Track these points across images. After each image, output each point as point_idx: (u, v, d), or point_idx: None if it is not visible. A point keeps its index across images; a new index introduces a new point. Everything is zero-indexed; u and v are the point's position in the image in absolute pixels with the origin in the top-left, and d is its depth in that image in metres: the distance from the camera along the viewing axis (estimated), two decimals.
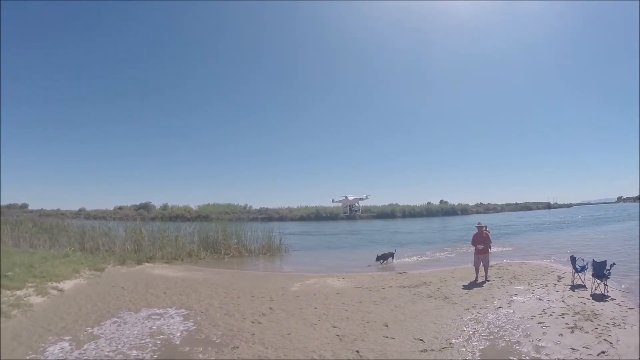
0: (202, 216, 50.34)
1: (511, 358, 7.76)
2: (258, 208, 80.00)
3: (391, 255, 21.18)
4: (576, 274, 14.29)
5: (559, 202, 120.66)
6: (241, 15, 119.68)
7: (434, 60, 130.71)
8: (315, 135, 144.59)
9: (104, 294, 12.99)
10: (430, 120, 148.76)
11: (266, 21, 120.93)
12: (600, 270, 13.13)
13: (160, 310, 11.27)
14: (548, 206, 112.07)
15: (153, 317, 10.59)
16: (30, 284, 13.08)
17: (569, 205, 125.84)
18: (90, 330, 9.42)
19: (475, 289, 13.77)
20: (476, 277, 15.38)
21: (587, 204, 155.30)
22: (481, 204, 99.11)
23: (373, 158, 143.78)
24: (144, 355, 7.99)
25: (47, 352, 8.07)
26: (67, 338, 8.89)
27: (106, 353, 8.03)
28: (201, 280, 15.49)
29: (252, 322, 10.17)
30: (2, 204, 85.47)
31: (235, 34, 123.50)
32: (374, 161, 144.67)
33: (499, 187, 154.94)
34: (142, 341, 8.74)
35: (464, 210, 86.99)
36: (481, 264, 15.46)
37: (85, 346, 8.41)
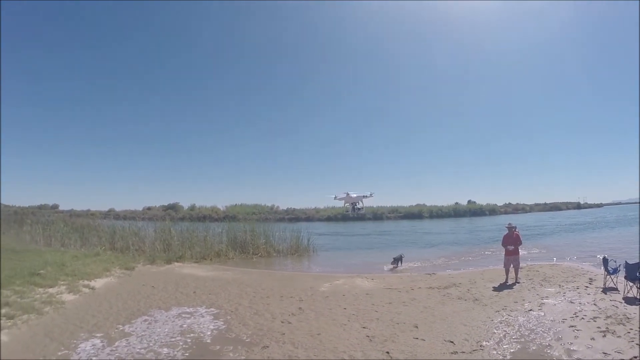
0: (229, 217, 50.67)
1: None
2: (285, 208, 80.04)
3: (401, 258, 20.78)
4: (608, 276, 13.82)
5: (589, 202, 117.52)
6: (262, 16, 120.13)
7: (459, 59, 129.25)
8: (341, 135, 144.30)
9: (134, 293, 13.09)
10: (457, 120, 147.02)
11: (288, 22, 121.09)
12: (633, 273, 12.64)
13: (191, 309, 11.28)
14: (578, 206, 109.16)
15: (183, 315, 10.61)
16: (62, 282, 13.30)
17: (600, 205, 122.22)
18: (121, 328, 9.47)
19: (506, 291, 13.47)
20: (506, 279, 15.06)
21: (618, 203, 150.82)
22: (510, 204, 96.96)
23: (399, 158, 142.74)
24: (175, 353, 7.97)
25: (78, 349, 8.12)
26: (98, 335, 8.95)
27: (138, 350, 8.05)
28: (230, 280, 15.49)
29: (282, 322, 10.11)
30: (33, 204, 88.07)
31: (254, 34, 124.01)
32: (400, 161, 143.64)
33: (527, 187, 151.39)
34: (173, 339, 8.74)
35: (492, 211, 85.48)
36: (511, 266, 15.14)
37: (116, 343, 8.45)
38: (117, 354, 7.86)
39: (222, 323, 9.98)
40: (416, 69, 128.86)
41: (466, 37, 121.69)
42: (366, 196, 27.63)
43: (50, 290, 12.33)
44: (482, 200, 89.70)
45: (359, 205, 27.57)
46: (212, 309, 11.25)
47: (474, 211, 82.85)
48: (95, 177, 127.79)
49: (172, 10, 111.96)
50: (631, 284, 12.50)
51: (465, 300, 12.26)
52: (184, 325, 9.72)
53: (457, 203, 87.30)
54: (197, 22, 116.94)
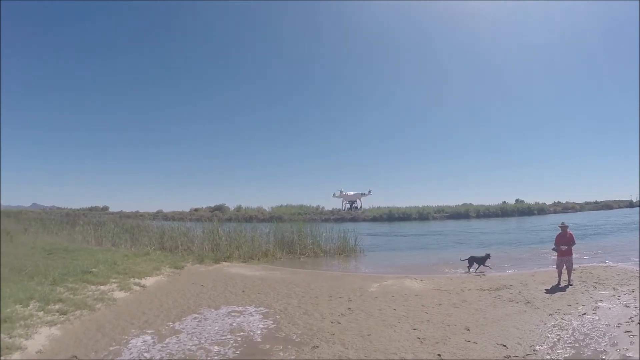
0: (275, 217, 50.83)
1: None
2: (330, 209, 79.62)
3: (477, 260, 18.51)
4: None
5: None
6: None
7: (505, 54, 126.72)
8: (386, 134, 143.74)
9: (184, 291, 13.16)
10: (505, 117, 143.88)
11: (324, 23, 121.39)
12: None
13: (240, 307, 11.23)
14: (630, 204, 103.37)
15: (233, 314, 10.56)
16: (114, 280, 13.56)
17: None
18: (171, 325, 9.48)
19: (558, 294, 12.84)
20: (558, 281, 14.34)
21: None
22: (559, 202, 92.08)
23: (445, 157, 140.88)
24: (226, 350, 7.89)
25: (130, 344, 8.15)
26: (149, 332, 8.97)
27: (188, 347, 8.00)
28: (279, 280, 15.41)
29: (332, 322, 9.90)
30: (85, 206, 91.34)
31: (292, 35, 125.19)
32: (446, 160, 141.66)
33: (576, 185, 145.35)
34: (223, 337, 8.67)
35: (541, 210, 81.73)
36: (564, 267, 14.43)
37: (167, 340, 8.44)
38: (167, 351, 7.83)
39: (272, 322, 9.86)
40: (462, 67, 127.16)
41: (515, 33, 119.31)
42: (364, 194, 26.88)
43: (102, 287, 12.57)
44: (530, 199, 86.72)
45: (357, 204, 26.83)
46: (262, 308, 11.16)
47: (522, 210, 79.82)
48: (144, 180, 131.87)
49: (213, 11, 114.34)
50: None
51: (517, 302, 11.75)
52: (234, 324, 9.66)
53: (504, 202, 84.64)
54: (235, 23, 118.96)
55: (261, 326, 9.54)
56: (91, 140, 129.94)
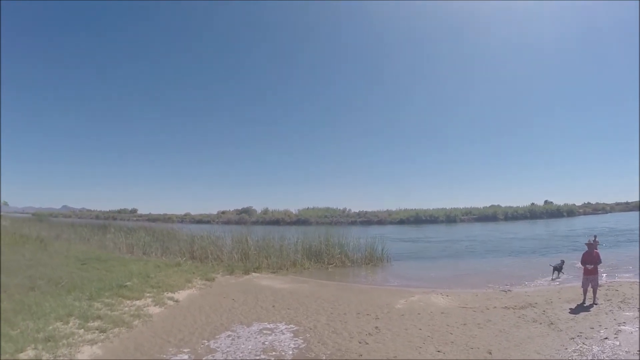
0: (301, 220, 50.99)
1: None
2: (357, 211, 79.03)
3: (561, 267, 19.87)
4: None
5: None
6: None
7: (531, 56, 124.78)
8: (413, 136, 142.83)
9: (216, 306, 13.41)
10: (533, 118, 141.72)
11: (351, 25, 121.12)
12: None
13: (271, 325, 11.43)
14: None
15: (264, 331, 10.77)
16: (148, 294, 13.90)
17: None
18: (206, 344, 9.73)
19: (582, 314, 12.60)
20: (583, 300, 14.13)
21: None
22: (589, 203, 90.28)
23: (474, 158, 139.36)
24: None
25: None
26: (185, 350, 9.24)
27: None
28: (308, 294, 15.57)
29: (359, 342, 10.05)
30: (115, 209, 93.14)
31: (317, 36, 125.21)
32: (475, 162, 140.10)
33: (606, 185, 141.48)
34: (257, 357, 8.90)
35: (570, 212, 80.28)
36: (589, 286, 14.24)
37: (203, 359, 8.69)
38: None
39: (302, 341, 10.06)
40: (486, 69, 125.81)
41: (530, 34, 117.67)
42: None
43: (137, 302, 12.91)
44: (559, 200, 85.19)
45: None
46: (292, 326, 11.36)
47: (551, 212, 78.54)
48: (172, 183, 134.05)
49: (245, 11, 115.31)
50: None
51: (540, 323, 11.64)
52: (266, 343, 9.88)
53: (533, 204, 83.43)
54: (268, 25, 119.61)
55: (292, 345, 9.75)
56: (120, 144, 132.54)
